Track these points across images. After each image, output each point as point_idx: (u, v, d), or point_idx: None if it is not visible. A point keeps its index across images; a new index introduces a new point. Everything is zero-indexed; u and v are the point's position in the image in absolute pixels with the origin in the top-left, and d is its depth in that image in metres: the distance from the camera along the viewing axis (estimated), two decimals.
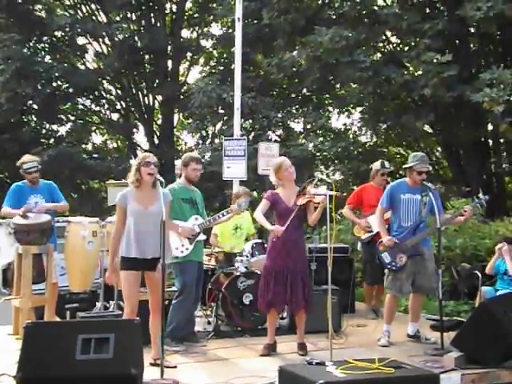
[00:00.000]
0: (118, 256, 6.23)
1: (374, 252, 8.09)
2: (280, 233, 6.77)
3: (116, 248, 6.23)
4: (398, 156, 19.29)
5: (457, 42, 15.15)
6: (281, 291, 6.83)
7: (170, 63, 22.82)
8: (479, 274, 8.22)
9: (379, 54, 16.12)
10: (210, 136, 21.33)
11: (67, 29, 20.52)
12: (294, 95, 19.88)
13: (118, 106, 23.89)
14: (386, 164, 9.36)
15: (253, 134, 17.76)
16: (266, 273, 6.97)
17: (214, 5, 20.86)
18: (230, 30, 18.63)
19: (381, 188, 8.91)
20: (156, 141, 23.29)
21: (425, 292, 7.74)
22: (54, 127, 23.13)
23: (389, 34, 16.26)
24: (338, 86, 17.93)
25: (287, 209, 6.88)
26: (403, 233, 7.42)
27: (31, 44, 21.17)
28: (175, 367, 6.30)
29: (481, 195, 7.79)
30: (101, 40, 21.83)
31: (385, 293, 7.95)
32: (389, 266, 7.49)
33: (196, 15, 23.20)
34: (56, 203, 7.94)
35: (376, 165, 9.33)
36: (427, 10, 15.19)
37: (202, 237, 7.52)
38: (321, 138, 17.56)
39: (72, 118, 23.49)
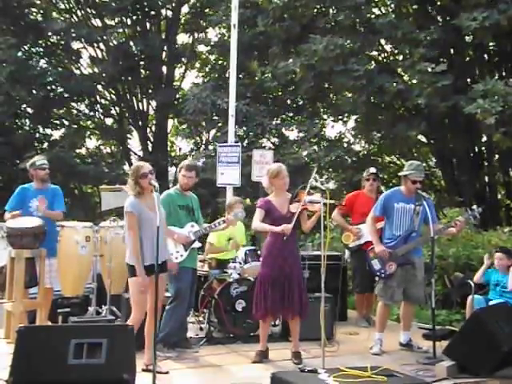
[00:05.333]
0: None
1: (363, 260, 8.12)
2: (289, 231, 6.70)
3: (138, 254, 6.13)
4: (392, 165, 19.33)
5: (452, 51, 15.21)
6: (279, 298, 6.80)
7: (164, 69, 22.84)
8: (472, 284, 8.22)
9: (374, 63, 16.16)
10: (204, 142, 21.35)
11: (62, 33, 20.54)
12: (288, 103, 19.91)
13: (113, 112, 23.93)
14: (371, 169, 9.39)
15: (246, 141, 17.76)
16: (264, 280, 6.89)
17: (210, 11, 20.91)
18: (226, 37, 18.68)
19: (372, 197, 8.92)
20: (150, 146, 23.28)
21: (414, 301, 7.71)
22: (48, 131, 23.12)
23: (383, 42, 16.32)
24: (332, 94, 17.96)
25: (281, 216, 6.86)
26: (395, 241, 7.44)
27: (26, 48, 21.20)
28: (167, 373, 6.29)
29: (474, 207, 7.80)
30: (96, 45, 21.84)
31: (376, 301, 7.95)
32: (378, 273, 7.52)
33: (191, 21, 23.19)
34: (54, 211, 7.95)
35: (364, 173, 9.40)
36: (422, 20, 15.24)
37: (197, 244, 7.52)
38: (315, 147, 17.57)
39: (66, 123, 23.47)
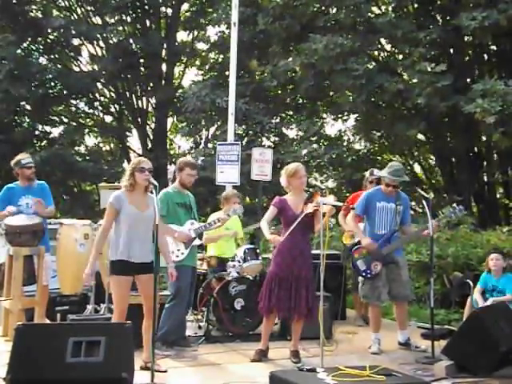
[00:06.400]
0: (108, 259, 6.20)
1: None
2: (277, 243, 6.74)
3: (100, 247, 6.18)
4: None
5: (451, 51, 15.21)
6: (285, 298, 6.76)
7: (164, 67, 22.83)
8: (471, 283, 8.20)
9: (374, 62, 16.15)
10: (203, 141, 21.34)
11: (62, 30, 20.50)
12: (288, 101, 19.90)
13: (112, 109, 23.93)
14: (375, 171, 9.31)
15: (246, 139, 17.76)
16: (271, 278, 6.87)
17: (210, 9, 20.90)
18: (225, 35, 18.67)
19: None
20: (149, 144, 23.27)
21: (401, 299, 7.65)
22: (47, 129, 23.10)
23: (383, 42, 16.31)
24: (332, 93, 17.96)
25: (294, 216, 6.79)
26: (378, 240, 7.42)
27: (25, 45, 21.13)
28: (166, 371, 6.27)
29: (454, 204, 7.82)
30: (95, 42, 21.82)
31: None
32: (363, 274, 7.50)
33: (191, 19, 23.15)
34: (47, 209, 7.87)
35: (366, 174, 9.36)
36: (422, 19, 15.24)
37: (197, 242, 7.51)
38: (314, 145, 17.56)
39: (65, 120, 23.49)
